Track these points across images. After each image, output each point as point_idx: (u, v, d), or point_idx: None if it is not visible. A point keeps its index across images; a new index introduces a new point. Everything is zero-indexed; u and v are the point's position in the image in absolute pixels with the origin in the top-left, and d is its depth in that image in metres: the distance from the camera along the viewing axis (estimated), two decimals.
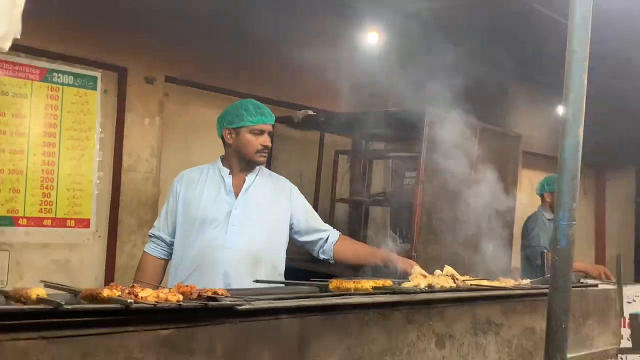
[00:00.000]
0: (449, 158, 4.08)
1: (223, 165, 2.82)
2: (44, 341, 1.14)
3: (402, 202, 4.81)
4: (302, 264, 3.89)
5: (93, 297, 1.36)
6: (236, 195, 2.74)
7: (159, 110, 4.56)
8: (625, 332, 2.91)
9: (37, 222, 4.09)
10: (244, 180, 2.78)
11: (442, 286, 2.19)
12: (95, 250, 4.34)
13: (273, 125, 2.84)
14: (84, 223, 4.30)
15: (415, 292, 1.88)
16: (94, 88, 4.39)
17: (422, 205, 3.97)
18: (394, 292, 1.91)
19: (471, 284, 2.27)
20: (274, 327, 1.52)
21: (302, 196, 2.90)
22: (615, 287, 2.96)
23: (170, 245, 2.77)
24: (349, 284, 1.98)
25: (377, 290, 1.92)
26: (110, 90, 4.45)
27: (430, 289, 2.17)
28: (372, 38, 5.00)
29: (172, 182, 2.86)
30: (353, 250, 2.81)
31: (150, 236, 2.83)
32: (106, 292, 1.33)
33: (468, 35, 4.95)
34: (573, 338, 2.59)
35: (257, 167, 2.84)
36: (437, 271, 2.35)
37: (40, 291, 1.25)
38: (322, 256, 2.82)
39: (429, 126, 3.92)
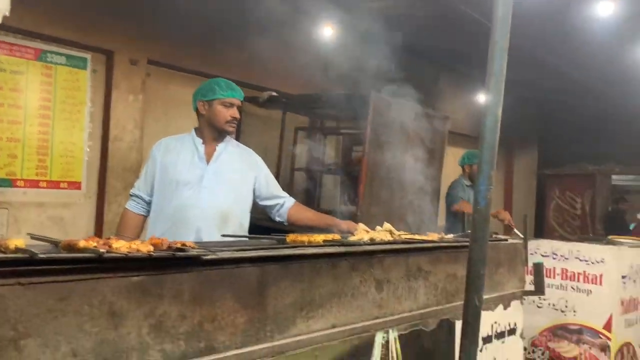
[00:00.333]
0: (389, 135, 4.04)
1: (197, 136, 2.68)
2: (21, 287, 1.03)
3: (350, 171, 4.77)
4: (267, 222, 3.82)
5: (71, 247, 1.24)
6: (208, 162, 2.62)
7: (141, 89, 4.35)
8: (529, 278, 2.94)
9: (34, 184, 3.88)
10: (215, 149, 2.66)
11: (381, 239, 2.14)
12: (86, 209, 4.16)
13: (241, 102, 2.71)
14: (76, 185, 4.10)
15: (359, 245, 1.82)
16: (84, 68, 4.15)
17: (366, 174, 3.93)
18: (342, 244, 1.84)
19: (405, 238, 2.23)
20: (236, 275, 1.43)
21: (265, 166, 2.80)
22: (521, 241, 2.97)
23: (149, 203, 2.64)
24: (304, 238, 1.90)
25: (327, 243, 1.85)
26: (99, 70, 4.22)
27: (372, 241, 2.12)
28: (327, 30, 4.88)
29: (152, 148, 2.71)
30: (304, 215, 2.73)
31: (131, 195, 2.69)
32: (82, 243, 1.21)
33: (407, 32, 4.88)
34: (487, 282, 2.57)
35: (227, 138, 2.71)
36: (378, 227, 2.30)
37: (18, 242, 1.12)
38: (277, 219, 2.75)
39: (373, 107, 3.86)
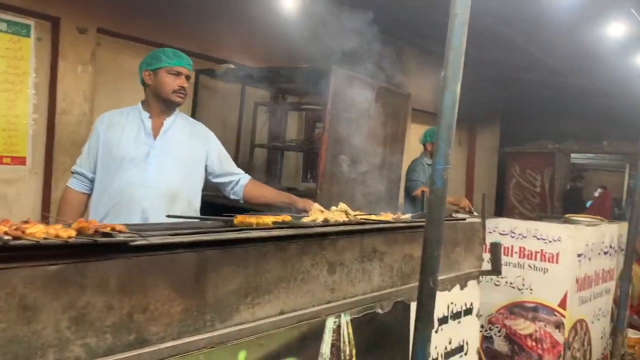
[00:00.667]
0: (350, 111, 3.94)
1: (143, 109, 2.52)
2: None
3: (313, 148, 4.66)
4: (222, 199, 3.70)
5: None
6: (155, 137, 2.47)
7: (91, 59, 4.09)
8: (487, 256, 2.92)
9: None
10: (163, 123, 2.50)
11: (336, 220, 2.05)
12: (32, 186, 3.92)
13: (190, 71, 2.55)
14: (20, 160, 3.86)
15: (310, 226, 1.72)
16: (28, 35, 3.87)
17: (327, 151, 3.82)
18: (292, 227, 1.74)
19: (361, 218, 2.14)
20: (171, 261, 1.32)
21: (218, 141, 2.67)
22: (479, 220, 2.94)
23: (92, 181, 2.48)
24: (252, 220, 1.79)
25: (276, 225, 1.75)
26: (44, 38, 3.94)
27: (326, 222, 2.04)
28: (288, 1, 4.69)
29: (94, 123, 2.54)
30: (260, 192, 2.63)
31: (72, 172, 2.52)
32: None
33: (371, 5, 4.74)
34: (444, 262, 2.55)
35: (176, 112, 2.56)
36: (333, 207, 2.21)
37: None
38: (232, 196, 2.63)
39: (333, 82, 3.74)
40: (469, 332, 2.65)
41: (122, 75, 4.35)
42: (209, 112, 4.69)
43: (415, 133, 7.09)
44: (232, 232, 1.50)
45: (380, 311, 2.02)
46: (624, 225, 4.34)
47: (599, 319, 4.03)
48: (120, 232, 1.28)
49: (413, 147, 6.03)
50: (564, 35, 5.20)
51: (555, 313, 3.49)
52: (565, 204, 8.59)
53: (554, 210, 8.50)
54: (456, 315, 2.54)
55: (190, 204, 2.50)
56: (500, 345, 3.70)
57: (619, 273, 4.36)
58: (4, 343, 1.03)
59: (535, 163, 8.76)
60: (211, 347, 1.38)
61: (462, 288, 2.61)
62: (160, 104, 2.49)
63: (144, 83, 2.51)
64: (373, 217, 2.21)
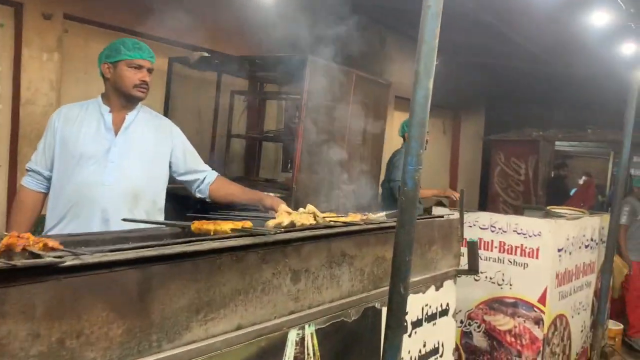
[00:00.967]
0: (328, 101, 3.82)
1: (103, 103, 2.38)
2: None
3: (292, 138, 4.54)
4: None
5: None
6: (116, 133, 2.33)
7: (57, 46, 3.92)
8: (466, 251, 2.84)
9: None
10: (124, 118, 2.36)
11: (302, 224, 1.94)
12: None
13: (153, 64, 2.40)
14: None
15: (270, 234, 1.62)
16: None
17: (303, 142, 3.72)
18: (250, 235, 1.63)
19: (330, 221, 2.04)
20: (109, 280, 1.21)
21: (183, 136, 2.53)
22: (457, 216, 2.86)
23: (49, 179, 2.34)
24: (210, 226, 1.69)
25: (234, 234, 1.64)
26: (7, 25, 3.76)
27: (292, 226, 1.93)
28: None
29: (50, 117, 2.39)
30: (227, 190, 2.50)
31: (27, 170, 2.38)
32: None
33: None
34: (419, 263, 2.47)
35: (138, 106, 2.42)
36: (301, 209, 2.11)
37: None
38: (198, 195, 2.51)
39: (309, 72, 3.61)
40: (444, 333, 2.58)
41: (91, 63, 4.13)
42: (183, 101, 4.56)
43: (399, 121, 6.99)
44: (181, 245, 1.39)
45: (348, 320, 1.93)
46: (606, 218, 4.30)
47: (579, 313, 4.00)
48: (53, 249, 1.17)
49: (395, 135, 5.93)
50: (548, 23, 5.11)
51: (535, 309, 3.44)
52: (550, 192, 8.58)
53: (538, 198, 8.48)
54: (431, 317, 2.47)
55: (154, 203, 2.38)
56: (480, 340, 3.66)
57: (600, 266, 4.33)
58: None
59: (520, 151, 8.71)
60: None
61: (437, 289, 2.53)
62: (120, 99, 2.35)
63: (103, 76, 2.37)
64: (342, 218, 2.10)
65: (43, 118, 3.86)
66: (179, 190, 2.70)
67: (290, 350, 1.66)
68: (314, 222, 1.98)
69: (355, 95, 3.92)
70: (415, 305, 2.36)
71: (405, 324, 2.27)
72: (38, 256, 1.11)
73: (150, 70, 2.37)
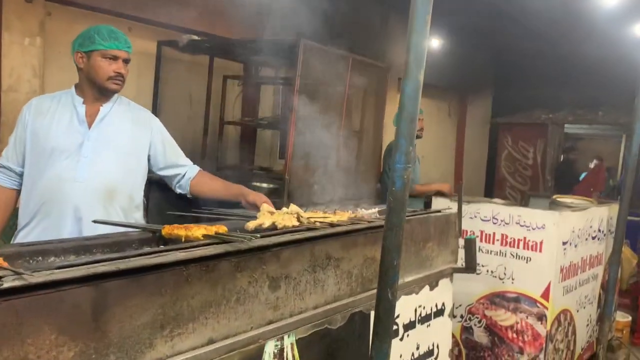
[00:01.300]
0: (322, 87, 3.71)
1: (76, 94, 2.29)
2: None
3: (288, 125, 4.43)
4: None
5: None
6: (90, 126, 2.24)
7: (40, 30, 3.81)
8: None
9: None
10: (99, 109, 2.27)
11: (284, 226, 1.86)
12: None
13: (129, 54, 2.29)
14: None
15: (246, 241, 1.52)
16: None
17: (296, 130, 3.62)
18: (224, 242, 1.54)
19: (314, 221, 1.95)
20: (57, 300, 1.12)
21: (164, 128, 2.44)
22: (455, 211, 2.76)
23: (21, 175, 2.26)
24: (180, 231, 1.61)
25: (206, 240, 1.55)
26: None
27: (274, 228, 1.85)
28: None
29: (21, 110, 2.30)
30: (208, 186, 2.43)
31: None
32: None
33: None
34: (413, 262, 2.38)
35: (115, 96, 2.32)
36: (284, 208, 2.02)
37: None
38: (178, 190, 2.44)
39: (302, 57, 3.49)
40: (439, 334, 2.51)
41: None
42: (174, 86, 4.46)
43: None
44: (142, 258, 1.30)
45: (333, 327, 1.85)
46: (615, 207, 4.18)
47: (584, 307, 3.91)
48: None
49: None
50: (558, 2, 4.93)
51: (538, 304, 3.35)
52: (558, 176, 8.45)
53: (546, 183, 8.36)
54: (425, 319, 2.39)
55: (131, 200, 2.30)
56: (480, 336, 3.58)
57: (607, 257, 4.22)
58: None
59: (528, 134, 8.56)
60: None
61: (432, 288, 2.45)
62: (94, 90, 2.26)
63: (77, 66, 2.27)
64: (329, 218, 2.01)
65: None
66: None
67: None
68: (297, 224, 1.89)
69: (352, 80, 3.79)
70: (408, 307, 2.28)
71: (395, 327, 2.19)
72: None
73: (126, 61, 2.27)
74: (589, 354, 4.12)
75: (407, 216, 2.28)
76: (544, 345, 3.37)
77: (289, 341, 1.66)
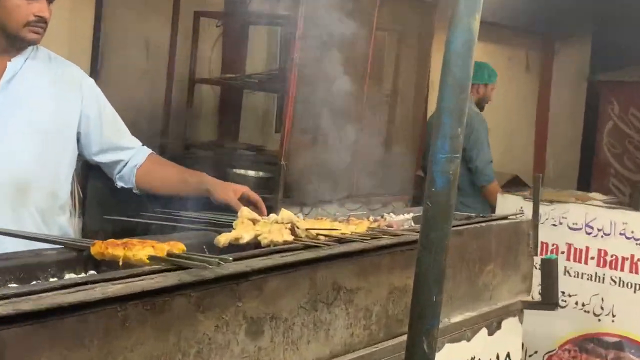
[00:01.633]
0: (337, 33, 3.70)
1: None
2: None
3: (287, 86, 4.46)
4: None
5: None
6: None
7: None
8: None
9: None
10: (5, 66, 2.30)
11: (272, 241, 1.86)
12: None
13: None
14: None
15: (210, 267, 1.51)
16: None
17: (298, 95, 3.65)
18: (179, 267, 1.53)
19: (317, 234, 1.95)
20: None
21: (101, 94, 2.49)
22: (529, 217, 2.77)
23: None
24: (117, 251, 1.61)
25: (154, 263, 1.54)
26: None
27: (256, 245, 1.86)
28: None
29: None
30: (161, 177, 2.48)
31: None
32: None
33: None
34: (464, 293, 2.41)
35: (29, 49, 2.36)
36: (272, 215, 2.02)
37: None
38: (120, 184, 2.50)
39: None
40: None
41: None
42: (123, 28, 4.50)
43: None
44: (55, 294, 1.30)
45: None
46: None
47: None
48: None
49: None
50: None
51: None
52: None
53: None
54: None
55: (53, 197, 2.36)
56: None
57: None
58: None
59: None
60: None
61: (491, 332, 2.49)
62: (2, 40, 2.29)
63: None
64: (338, 230, 2.01)
65: None
66: None
67: None
68: (291, 239, 1.89)
69: (380, 24, 3.80)
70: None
71: None
72: None
73: (50, 1, 2.29)
74: None
75: (455, 225, 2.29)
76: None
77: None
